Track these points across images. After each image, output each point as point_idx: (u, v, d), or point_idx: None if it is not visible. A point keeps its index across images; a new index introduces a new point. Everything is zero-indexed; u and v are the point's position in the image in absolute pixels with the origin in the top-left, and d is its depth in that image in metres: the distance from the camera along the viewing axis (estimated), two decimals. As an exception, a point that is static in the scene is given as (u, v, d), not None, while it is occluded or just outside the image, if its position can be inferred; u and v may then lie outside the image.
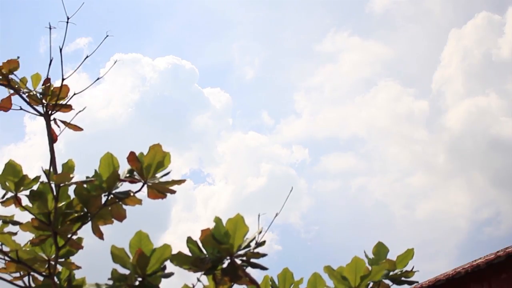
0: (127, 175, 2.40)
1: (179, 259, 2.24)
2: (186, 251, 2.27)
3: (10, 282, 2.57)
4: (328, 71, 41.42)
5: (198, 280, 2.34)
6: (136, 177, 2.41)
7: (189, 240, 2.27)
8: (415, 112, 37.89)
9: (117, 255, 2.25)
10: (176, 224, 33.46)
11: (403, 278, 2.66)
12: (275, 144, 39.68)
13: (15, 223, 2.50)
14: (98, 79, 2.98)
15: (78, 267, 2.59)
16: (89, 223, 2.50)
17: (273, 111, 42.54)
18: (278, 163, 36.79)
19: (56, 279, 2.55)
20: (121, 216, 2.50)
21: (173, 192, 2.44)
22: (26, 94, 2.87)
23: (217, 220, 2.23)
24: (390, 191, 37.33)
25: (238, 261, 2.22)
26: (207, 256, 2.23)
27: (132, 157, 2.37)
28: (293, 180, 34.86)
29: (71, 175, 2.39)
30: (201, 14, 43.73)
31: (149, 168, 2.41)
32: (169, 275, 2.26)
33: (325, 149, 44.46)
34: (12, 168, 2.50)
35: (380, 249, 2.72)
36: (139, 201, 2.47)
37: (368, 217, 36.09)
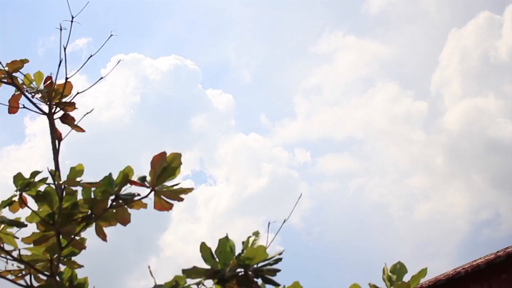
0: (138, 181, 2.42)
1: (195, 273, 2.24)
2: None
3: (12, 281, 2.57)
4: (325, 71, 41.47)
5: (203, 284, 2.34)
6: (145, 183, 2.42)
7: (203, 248, 2.27)
8: (413, 113, 37.91)
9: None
10: (176, 224, 33.50)
11: None
12: (277, 146, 39.72)
13: (21, 224, 2.51)
14: (101, 78, 2.97)
15: (80, 266, 2.60)
16: (93, 224, 2.51)
17: (271, 113, 42.57)
18: (278, 165, 36.80)
19: (58, 279, 2.55)
20: (126, 220, 2.51)
21: (180, 200, 2.45)
22: (30, 93, 2.87)
23: (245, 243, 2.24)
24: (389, 192, 37.35)
25: (251, 274, 2.23)
26: (221, 268, 2.23)
27: (160, 158, 2.37)
28: (294, 182, 34.92)
29: (77, 180, 2.40)
30: (200, 13, 43.76)
31: (161, 175, 2.42)
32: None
33: (324, 150, 44.51)
34: (20, 178, 2.52)
35: (400, 269, 2.67)
36: (145, 205, 2.48)
37: (368, 218, 36.17)
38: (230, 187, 36.84)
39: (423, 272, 2.67)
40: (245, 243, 2.24)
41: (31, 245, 2.53)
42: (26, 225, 2.50)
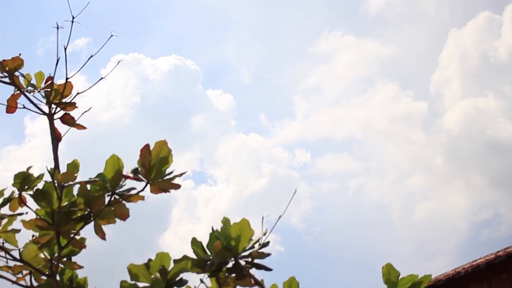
0: (131, 174, 2.41)
1: (185, 263, 2.25)
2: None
3: (13, 282, 2.57)
4: (324, 71, 41.47)
5: (201, 281, 2.35)
6: (140, 176, 2.41)
7: (194, 242, 2.28)
8: (413, 113, 37.91)
9: (135, 273, 2.27)
10: (176, 224, 33.50)
11: None
12: (277, 146, 39.73)
13: (20, 214, 2.52)
14: (102, 78, 2.97)
15: (81, 267, 2.60)
16: (92, 223, 2.51)
17: (271, 113, 42.62)
18: (279, 165, 36.80)
19: (58, 278, 2.56)
20: (124, 215, 2.50)
21: (177, 187, 2.44)
22: (30, 92, 2.87)
23: (225, 221, 2.25)
24: (389, 192, 37.36)
25: (242, 262, 2.24)
26: (211, 257, 2.24)
27: (145, 150, 2.37)
28: (294, 182, 34.92)
29: (75, 175, 2.40)
30: (200, 13, 43.77)
31: (153, 166, 2.40)
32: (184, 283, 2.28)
33: (323, 150, 44.49)
34: (21, 175, 2.52)
35: (390, 272, 2.58)
36: (142, 197, 2.47)
37: (368, 218, 36.19)
38: (230, 187, 36.88)
39: (426, 278, 2.61)
40: (224, 222, 2.25)
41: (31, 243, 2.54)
42: (27, 213, 2.51)
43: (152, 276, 2.23)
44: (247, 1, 44.42)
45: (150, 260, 2.30)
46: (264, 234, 2.25)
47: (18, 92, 2.89)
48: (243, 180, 37.41)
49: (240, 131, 43.32)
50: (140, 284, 2.27)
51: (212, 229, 2.29)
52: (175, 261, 2.28)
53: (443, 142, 36.80)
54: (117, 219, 2.52)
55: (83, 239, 2.54)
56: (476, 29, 36.31)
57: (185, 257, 2.26)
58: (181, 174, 2.43)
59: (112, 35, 2.88)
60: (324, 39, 41.02)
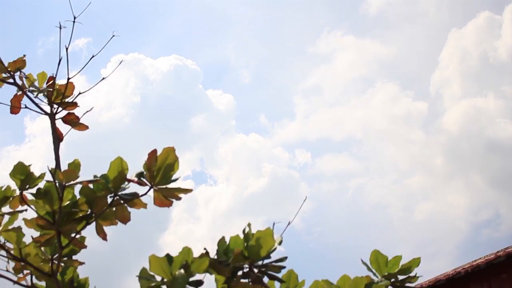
0: (135, 178, 2.41)
1: (198, 262, 2.25)
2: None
3: (14, 281, 2.57)
4: (324, 71, 41.45)
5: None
6: (144, 180, 2.41)
7: (221, 242, 2.29)
8: (413, 113, 37.90)
9: (157, 265, 2.25)
10: (176, 224, 33.49)
11: (406, 284, 2.63)
12: (277, 147, 39.74)
13: (20, 211, 2.52)
14: (103, 78, 2.98)
15: (82, 263, 2.60)
16: (93, 224, 2.51)
17: (270, 114, 42.64)
18: (279, 165, 36.80)
19: (60, 278, 2.56)
20: (125, 219, 2.51)
21: (178, 198, 2.44)
22: (32, 92, 2.87)
23: (249, 226, 2.26)
24: (389, 192, 37.35)
25: (255, 270, 2.25)
26: (228, 261, 2.24)
27: (152, 155, 2.37)
28: (294, 182, 34.94)
29: (77, 173, 2.40)
30: (200, 13, 43.79)
31: (159, 172, 2.40)
32: (200, 283, 2.28)
33: (323, 150, 44.45)
34: (20, 167, 2.51)
35: (378, 258, 2.66)
36: (144, 205, 2.48)
37: (368, 218, 36.15)
38: (231, 187, 36.83)
39: (415, 262, 2.64)
40: (246, 233, 2.26)
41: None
42: (26, 210, 2.51)
43: (176, 272, 2.22)
44: (247, 1, 44.46)
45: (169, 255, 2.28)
46: (280, 243, 2.26)
47: (21, 92, 2.90)
48: (243, 180, 37.40)
49: (240, 131, 43.38)
50: (158, 277, 2.24)
51: (244, 231, 2.29)
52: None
53: (443, 142, 36.80)
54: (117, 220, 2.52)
55: (83, 238, 2.55)
56: (476, 29, 36.31)
57: (204, 255, 2.24)
58: (187, 191, 2.43)
59: (113, 36, 2.88)
60: (324, 39, 41.02)
